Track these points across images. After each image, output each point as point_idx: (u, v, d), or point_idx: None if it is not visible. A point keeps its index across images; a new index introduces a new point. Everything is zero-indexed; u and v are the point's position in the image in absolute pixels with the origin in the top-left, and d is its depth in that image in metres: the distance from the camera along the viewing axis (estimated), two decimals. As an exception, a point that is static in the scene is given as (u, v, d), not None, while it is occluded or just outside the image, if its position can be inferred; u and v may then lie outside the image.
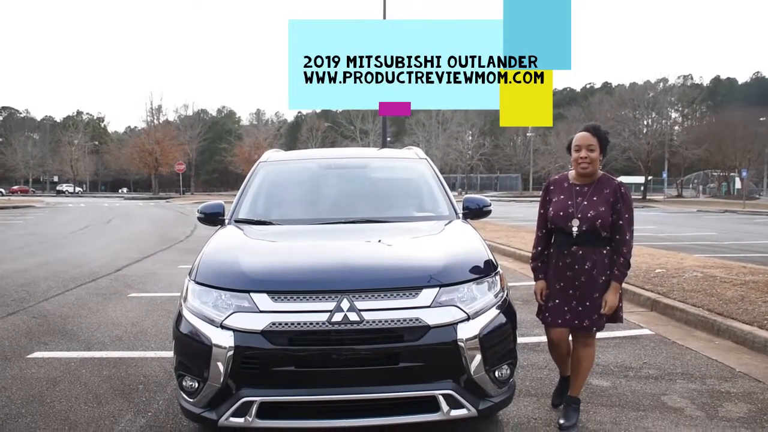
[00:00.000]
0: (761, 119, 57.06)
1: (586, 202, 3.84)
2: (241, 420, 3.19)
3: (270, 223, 4.59)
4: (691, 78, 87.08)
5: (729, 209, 36.61)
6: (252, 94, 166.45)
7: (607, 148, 3.92)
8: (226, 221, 4.70)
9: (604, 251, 3.83)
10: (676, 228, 21.24)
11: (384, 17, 21.89)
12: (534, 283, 4.15)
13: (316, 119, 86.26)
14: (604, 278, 3.82)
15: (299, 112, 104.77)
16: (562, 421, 3.95)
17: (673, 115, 72.73)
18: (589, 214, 3.79)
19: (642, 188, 59.12)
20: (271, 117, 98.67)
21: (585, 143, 3.84)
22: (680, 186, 66.96)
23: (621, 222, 3.80)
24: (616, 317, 3.96)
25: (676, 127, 71.89)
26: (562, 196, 3.95)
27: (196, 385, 3.31)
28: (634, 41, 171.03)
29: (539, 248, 4.11)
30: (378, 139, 61.22)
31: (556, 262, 3.95)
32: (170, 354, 3.61)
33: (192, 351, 3.34)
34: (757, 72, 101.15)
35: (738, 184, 55.36)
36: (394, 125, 74.11)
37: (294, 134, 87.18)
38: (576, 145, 3.88)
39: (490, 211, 4.90)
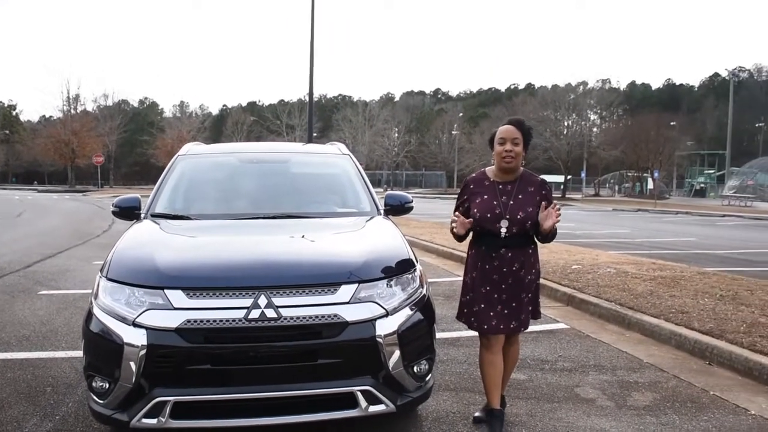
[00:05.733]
0: (672, 123, 59.99)
1: (512, 202, 3.70)
2: (153, 421, 3.09)
3: (188, 218, 4.47)
4: (609, 82, 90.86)
5: (642, 208, 38.23)
6: (175, 85, 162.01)
7: (529, 142, 3.78)
8: (142, 215, 4.55)
9: (530, 250, 3.79)
10: (593, 226, 22.03)
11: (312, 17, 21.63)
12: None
13: (241, 113, 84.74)
14: (530, 277, 3.77)
15: (224, 105, 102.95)
16: (477, 414, 4.01)
17: (592, 117, 75.36)
18: (518, 216, 3.67)
19: (562, 187, 61.09)
20: (195, 109, 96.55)
21: (510, 137, 3.68)
22: (597, 185, 69.50)
23: None
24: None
25: (595, 129, 74.58)
26: (485, 196, 3.76)
27: (107, 385, 3.19)
28: (557, 45, 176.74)
29: None
30: (304, 135, 60.80)
31: (482, 265, 3.76)
32: (81, 354, 3.46)
33: (102, 350, 3.22)
34: (669, 79, 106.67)
35: (650, 185, 57.91)
36: (320, 121, 73.89)
37: (218, 128, 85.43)
38: (500, 138, 3.70)
39: (411, 208, 4.94)
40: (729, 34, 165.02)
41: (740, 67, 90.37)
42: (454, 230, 3.75)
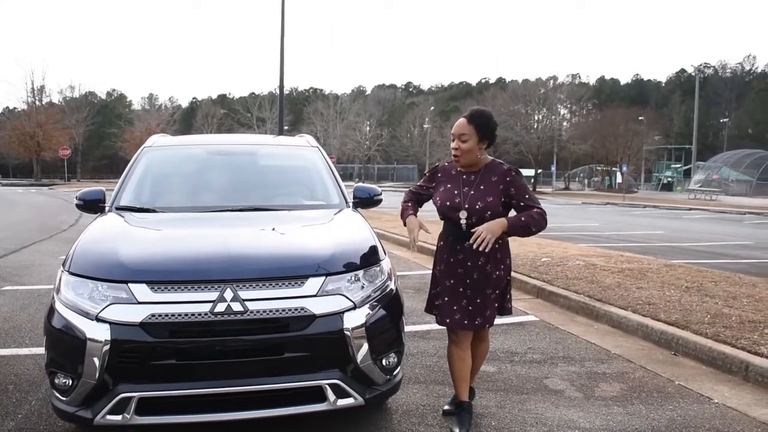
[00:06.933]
0: (640, 118, 60.89)
1: (472, 192, 3.60)
2: (118, 417, 3.04)
3: (154, 211, 4.40)
4: (579, 77, 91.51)
5: (611, 201, 38.77)
6: (144, 77, 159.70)
7: (488, 134, 3.60)
8: (107, 209, 4.46)
9: (497, 245, 3.60)
10: (563, 219, 22.23)
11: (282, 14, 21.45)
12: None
13: (211, 105, 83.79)
14: (498, 273, 3.65)
15: (194, 98, 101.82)
16: (446, 407, 4.02)
17: (562, 111, 76.07)
18: (477, 206, 3.55)
19: (532, 181, 61.64)
20: (165, 102, 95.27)
21: (458, 132, 3.59)
22: (567, 179, 70.25)
23: (522, 204, 3.59)
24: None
25: (565, 123, 75.30)
26: (449, 185, 3.70)
27: (70, 382, 3.13)
28: (528, 40, 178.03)
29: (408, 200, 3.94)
30: (275, 128, 60.43)
31: (447, 257, 3.69)
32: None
33: (65, 346, 3.16)
34: (637, 74, 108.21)
35: (619, 178, 58.65)
36: (291, 114, 73.50)
37: (188, 120, 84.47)
38: (451, 134, 3.64)
39: (380, 200, 4.92)
40: (695, 31, 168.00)
41: (706, 63, 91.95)
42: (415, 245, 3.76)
